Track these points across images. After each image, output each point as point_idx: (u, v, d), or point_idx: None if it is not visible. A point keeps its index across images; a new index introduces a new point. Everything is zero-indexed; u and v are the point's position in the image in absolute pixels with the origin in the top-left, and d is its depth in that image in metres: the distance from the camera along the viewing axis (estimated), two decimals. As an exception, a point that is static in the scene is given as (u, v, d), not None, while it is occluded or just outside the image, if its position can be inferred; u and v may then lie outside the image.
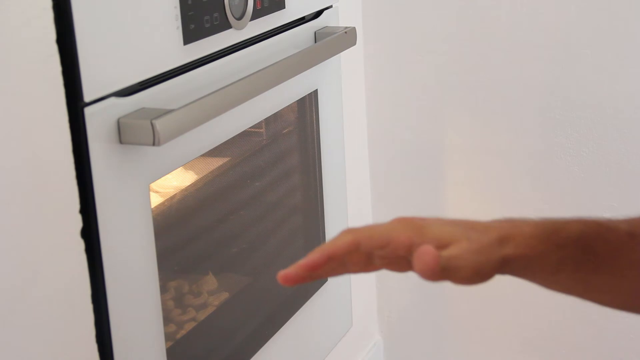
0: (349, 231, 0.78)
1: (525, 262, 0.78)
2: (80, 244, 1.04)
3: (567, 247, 0.79)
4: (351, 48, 1.54)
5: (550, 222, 0.80)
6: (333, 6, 1.56)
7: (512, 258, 0.77)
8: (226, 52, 1.27)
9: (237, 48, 1.29)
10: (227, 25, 1.24)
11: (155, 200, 1.27)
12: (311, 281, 0.79)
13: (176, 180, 1.36)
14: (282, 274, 0.78)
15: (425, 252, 0.72)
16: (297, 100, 1.51)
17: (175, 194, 1.33)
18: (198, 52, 1.19)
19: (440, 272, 0.73)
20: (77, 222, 1.03)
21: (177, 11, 1.13)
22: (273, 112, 1.43)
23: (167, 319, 1.26)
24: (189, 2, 1.15)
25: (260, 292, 1.54)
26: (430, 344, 2.14)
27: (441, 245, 0.75)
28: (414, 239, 0.76)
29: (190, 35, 1.16)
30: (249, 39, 1.32)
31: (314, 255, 0.78)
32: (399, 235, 0.77)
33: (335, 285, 1.68)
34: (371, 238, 0.77)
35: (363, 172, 2.04)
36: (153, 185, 1.18)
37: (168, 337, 1.24)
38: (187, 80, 1.18)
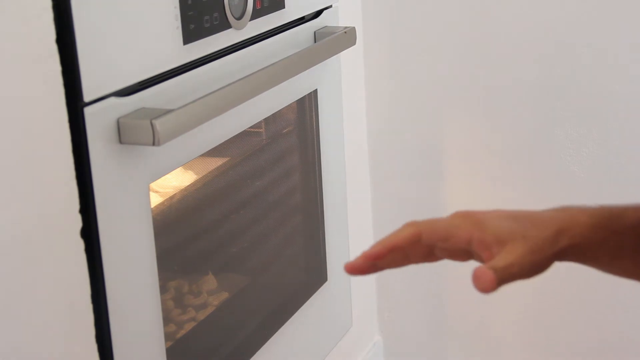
0: (411, 224, 0.80)
1: (581, 251, 0.79)
2: (80, 244, 1.04)
3: (624, 234, 0.80)
4: (351, 48, 1.54)
5: (607, 210, 0.81)
6: (333, 6, 1.56)
7: (567, 249, 0.78)
8: (226, 52, 1.27)
9: (237, 48, 1.29)
10: (227, 25, 1.24)
11: (155, 200, 1.27)
12: (377, 272, 0.81)
13: (176, 180, 1.36)
14: (348, 264, 0.80)
15: (482, 274, 0.73)
16: (297, 100, 1.51)
17: (175, 194, 1.33)
18: (198, 52, 1.19)
19: (499, 284, 0.74)
20: (77, 222, 1.03)
21: (177, 11, 1.13)
22: (273, 112, 1.43)
23: (167, 319, 1.26)
24: (189, 2, 1.15)
25: (260, 292, 1.54)
26: (430, 344, 2.14)
27: (499, 242, 0.77)
28: (474, 234, 0.78)
29: (190, 35, 1.16)
30: (249, 38, 1.32)
31: (377, 247, 0.79)
32: (459, 230, 0.79)
33: (335, 285, 1.68)
34: (433, 231, 0.79)
35: (363, 172, 2.04)
36: (153, 185, 1.18)
37: (168, 337, 1.24)
38: (187, 80, 1.18)
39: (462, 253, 0.81)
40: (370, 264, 0.80)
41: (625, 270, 0.83)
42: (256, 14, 1.31)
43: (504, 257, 0.76)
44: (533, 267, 0.77)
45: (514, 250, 0.76)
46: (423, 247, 0.81)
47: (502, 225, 0.78)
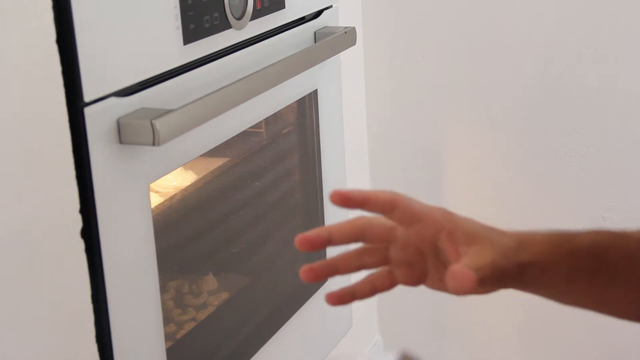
0: (391, 191, 0.79)
1: (540, 271, 0.78)
2: (80, 244, 1.04)
3: (580, 255, 0.79)
4: (351, 48, 1.54)
5: (561, 232, 0.80)
6: (333, 6, 1.56)
7: (527, 265, 0.77)
8: (226, 52, 1.27)
9: (237, 48, 1.29)
10: (227, 25, 1.24)
11: (155, 200, 1.27)
12: (330, 275, 0.80)
13: (176, 180, 1.36)
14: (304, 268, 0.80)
15: (460, 274, 0.72)
16: (297, 100, 1.51)
17: (175, 194, 1.33)
18: (198, 52, 1.19)
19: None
20: (77, 222, 1.03)
21: (177, 11, 1.13)
22: (273, 112, 1.43)
23: (167, 319, 1.26)
24: (189, 2, 1.15)
25: (260, 292, 1.54)
26: (430, 344, 2.14)
27: (468, 239, 0.76)
28: (445, 225, 0.77)
29: (190, 35, 1.16)
30: (249, 39, 1.32)
31: (354, 191, 0.78)
32: (432, 217, 0.78)
33: (335, 285, 1.68)
34: (408, 206, 0.78)
35: (363, 172, 2.04)
36: (153, 185, 1.18)
37: (168, 337, 1.24)
38: (187, 80, 1.18)
39: (418, 258, 0.80)
40: (324, 234, 0.78)
41: (576, 298, 0.82)
42: (256, 14, 1.31)
43: (476, 259, 0.74)
44: (499, 276, 0.75)
45: (483, 253, 0.75)
46: (383, 233, 0.80)
47: (472, 225, 0.78)
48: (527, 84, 1.87)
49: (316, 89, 1.54)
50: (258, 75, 1.25)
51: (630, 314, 0.83)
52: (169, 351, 1.22)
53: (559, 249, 0.78)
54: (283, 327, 1.52)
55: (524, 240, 0.78)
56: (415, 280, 0.82)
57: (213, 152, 1.30)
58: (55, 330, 1.02)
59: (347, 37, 1.51)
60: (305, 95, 1.52)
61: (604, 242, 0.80)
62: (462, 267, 0.73)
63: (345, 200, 0.78)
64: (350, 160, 1.84)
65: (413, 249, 0.80)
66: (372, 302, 2.14)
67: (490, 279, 0.75)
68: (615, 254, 0.80)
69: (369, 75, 1.99)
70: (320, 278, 0.81)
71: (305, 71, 1.41)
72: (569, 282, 0.80)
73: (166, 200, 1.31)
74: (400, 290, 2.15)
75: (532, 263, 0.77)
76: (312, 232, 0.79)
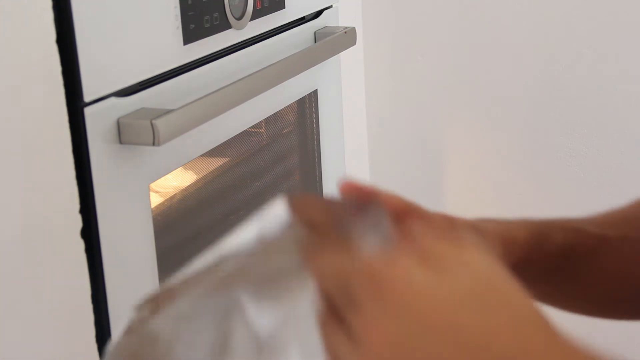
0: (403, 199, 0.71)
1: (515, 271, 0.76)
2: (80, 244, 1.04)
3: (552, 256, 0.76)
4: (351, 48, 1.54)
5: (536, 227, 0.77)
6: (333, 6, 1.56)
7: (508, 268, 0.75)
8: (226, 52, 1.27)
9: (237, 48, 1.29)
10: (227, 25, 1.24)
11: (155, 200, 1.27)
12: None
13: (176, 180, 1.36)
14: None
15: None
16: (297, 100, 1.51)
17: (175, 194, 1.33)
18: (198, 52, 1.19)
19: None
20: (77, 222, 1.03)
21: (177, 11, 1.13)
22: (273, 112, 1.43)
23: (167, 319, 1.26)
24: (189, 2, 1.15)
25: (260, 292, 1.53)
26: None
27: None
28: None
29: (190, 35, 1.16)
30: (249, 39, 1.32)
31: (367, 187, 0.67)
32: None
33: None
34: (419, 215, 0.70)
35: (363, 172, 2.04)
36: (153, 185, 1.18)
37: (168, 337, 1.24)
38: (187, 80, 1.18)
39: None
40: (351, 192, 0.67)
41: (543, 297, 0.78)
42: (256, 14, 1.31)
43: None
44: None
45: None
46: None
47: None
48: (527, 84, 1.87)
49: (316, 89, 1.54)
50: (258, 75, 1.25)
51: (587, 310, 0.81)
52: (169, 351, 1.22)
53: (535, 250, 0.75)
54: (283, 327, 1.52)
55: (508, 243, 0.73)
56: None
57: (213, 152, 1.30)
58: (55, 330, 1.02)
59: (347, 37, 1.51)
60: (305, 95, 1.52)
61: (572, 240, 0.78)
62: None
63: (358, 194, 0.72)
64: (350, 160, 1.84)
65: None
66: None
67: None
68: (580, 252, 0.78)
69: (369, 75, 1.99)
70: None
71: (305, 71, 1.41)
72: (535, 283, 0.75)
73: (166, 200, 1.31)
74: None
75: (511, 266, 0.75)
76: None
